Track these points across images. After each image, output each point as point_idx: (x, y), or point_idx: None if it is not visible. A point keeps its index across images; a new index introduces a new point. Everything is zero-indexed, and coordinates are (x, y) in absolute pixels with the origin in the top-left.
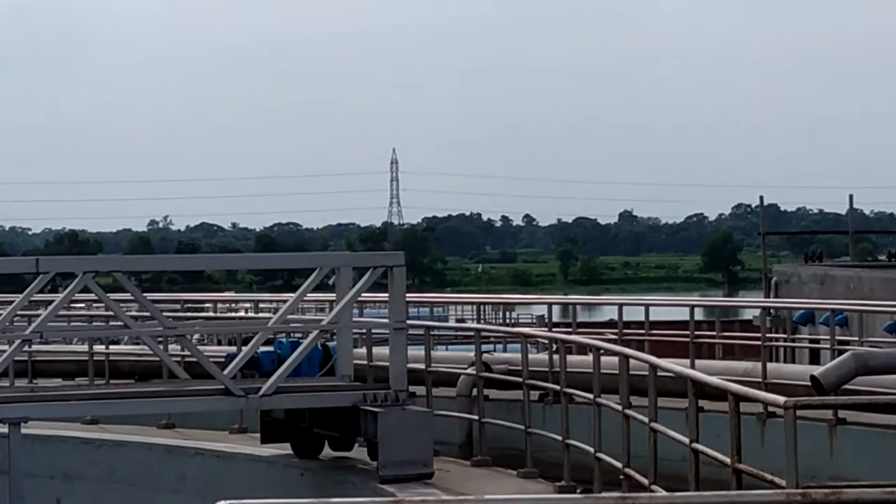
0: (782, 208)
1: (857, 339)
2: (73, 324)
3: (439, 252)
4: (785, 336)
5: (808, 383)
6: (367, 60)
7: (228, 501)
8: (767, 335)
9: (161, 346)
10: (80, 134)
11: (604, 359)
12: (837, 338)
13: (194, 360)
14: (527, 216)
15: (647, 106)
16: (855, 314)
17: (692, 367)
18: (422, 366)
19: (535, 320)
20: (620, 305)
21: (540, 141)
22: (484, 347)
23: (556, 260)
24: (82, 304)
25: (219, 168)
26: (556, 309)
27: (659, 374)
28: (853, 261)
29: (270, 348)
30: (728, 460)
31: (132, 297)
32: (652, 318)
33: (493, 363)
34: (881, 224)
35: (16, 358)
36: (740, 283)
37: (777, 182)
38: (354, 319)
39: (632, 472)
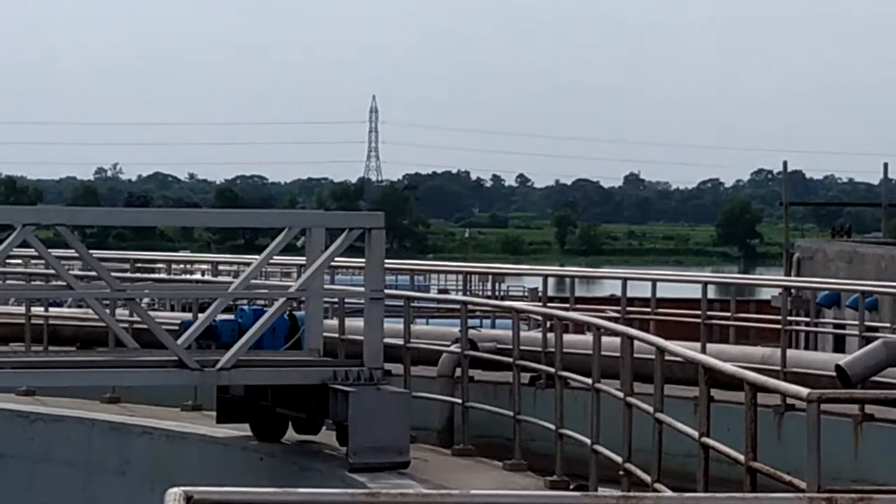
0: (808, 176)
1: (888, 325)
2: (8, 282)
3: (422, 213)
4: (807, 320)
5: (833, 374)
6: None
7: (183, 488)
8: (788, 318)
9: (107, 311)
10: (20, 71)
11: (604, 339)
12: (866, 323)
13: (144, 326)
14: (521, 176)
15: (659, 59)
16: (886, 297)
17: (703, 351)
18: (400, 341)
19: (527, 293)
20: (624, 280)
21: (538, 93)
22: (470, 322)
23: (552, 226)
24: (19, 261)
25: (175, 112)
26: (551, 281)
27: (667, 358)
28: (886, 237)
29: (230, 316)
30: (741, 457)
31: (76, 254)
32: (659, 294)
33: (480, 340)
34: None
35: None
36: (758, 258)
37: (803, 147)
38: (326, 287)
39: (633, 468)
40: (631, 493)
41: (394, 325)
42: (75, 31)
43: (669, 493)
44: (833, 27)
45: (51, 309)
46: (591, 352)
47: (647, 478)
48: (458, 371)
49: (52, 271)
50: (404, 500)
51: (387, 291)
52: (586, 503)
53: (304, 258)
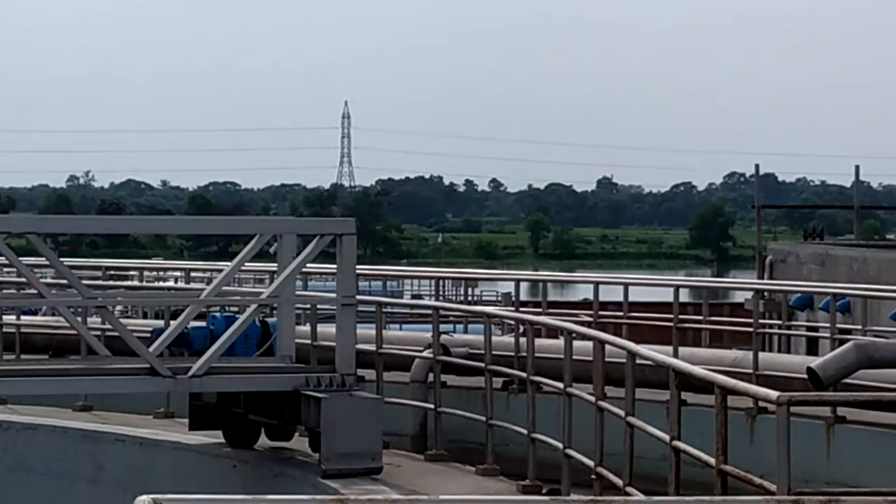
0: (780, 179)
1: (860, 327)
2: None
3: (395, 219)
4: (780, 322)
5: (805, 376)
6: (316, 2)
7: (151, 496)
8: (760, 321)
9: (79, 319)
10: None
11: (576, 344)
12: (838, 325)
13: (116, 334)
14: (493, 181)
15: (630, 63)
16: (859, 299)
17: (675, 355)
18: (372, 347)
19: (500, 298)
20: (596, 284)
21: (510, 98)
22: (442, 327)
23: (525, 231)
24: None
25: (148, 119)
26: (524, 286)
27: (638, 362)
28: (858, 239)
29: (202, 323)
30: (712, 461)
31: (48, 262)
32: (631, 298)
33: (453, 346)
34: (889, 199)
35: None
36: (731, 261)
37: (775, 149)
38: (297, 293)
39: (605, 472)
40: (600, 497)
41: (366, 330)
42: (45, 37)
43: (640, 496)
44: (805, 29)
45: (23, 317)
46: (563, 356)
47: (620, 482)
48: (431, 376)
49: (23, 280)
50: None
51: (359, 297)
52: None
53: (276, 265)
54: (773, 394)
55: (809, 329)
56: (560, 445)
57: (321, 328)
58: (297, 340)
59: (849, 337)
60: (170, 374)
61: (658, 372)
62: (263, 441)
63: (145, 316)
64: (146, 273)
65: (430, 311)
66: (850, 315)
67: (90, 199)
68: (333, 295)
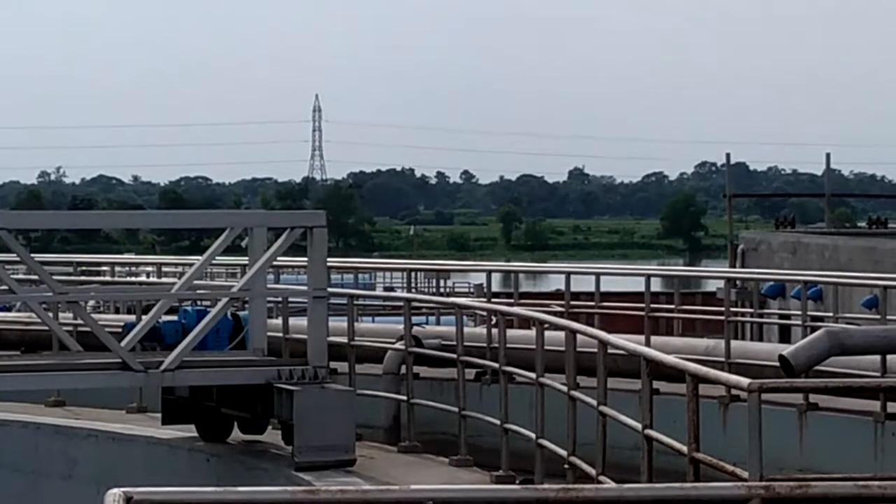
0: (752, 167)
1: (832, 314)
2: None
3: (366, 212)
4: (752, 311)
5: (777, 364)
6: None
7: (122, 489)
8: (732, 309)
9: (51, 314)
10: None
11: (548, 334)
12: (810, 313)
13: (88, 329)
14: (465, 173)
15: (601, 53)
16: (830, 287)
17: (647, 344)
18: (344, 339)
19: (472, 290)
20: (568, 274)
21: (481, 90)
22: (414, 319)
23: (497, 222)
24: None
25: (119, 114)
26: (496, 277)
27: (610, 351)
28: (829, 227)
29: (174, 317)
30: (685, 449)
31: (18, 258)
32: (603, 288)
33: (425, 337)
34: (861, 186)
35: None
36: (703, 250)
37: (746, 138)
38: (269, 286)
39: (578, 461)
40: (570, 486)
41: (338, 323)
42: (13, 35)
43: (612, 484)
44: (773, 19)
45: None
46: (535, 347)
47: (593, 471)
48: (404, 368)
49: None
50: (343, 497)
51: (330, 290)
52: (526, 496)
53: (247, 258)
54: (745, 381)
55: (781, 317)
56: (533, 436)
57: (293, 321)
58: (269, 333)
59: (820, 324)
60: (142, 368)
61: (630, 361)
62: (236, 434)
63: (117, 311)
64: (118, 268)
65: (402, 303)
66: (821, 303)
67: (61, 195)
68: (305, 288)
